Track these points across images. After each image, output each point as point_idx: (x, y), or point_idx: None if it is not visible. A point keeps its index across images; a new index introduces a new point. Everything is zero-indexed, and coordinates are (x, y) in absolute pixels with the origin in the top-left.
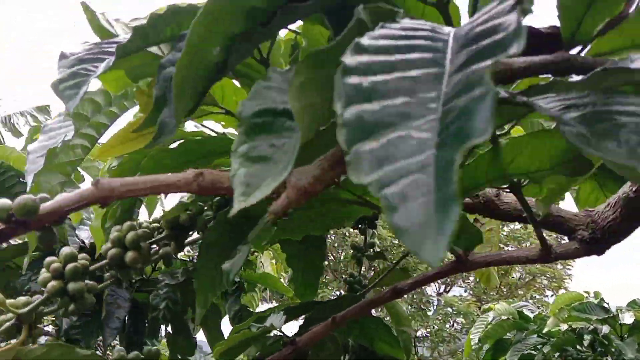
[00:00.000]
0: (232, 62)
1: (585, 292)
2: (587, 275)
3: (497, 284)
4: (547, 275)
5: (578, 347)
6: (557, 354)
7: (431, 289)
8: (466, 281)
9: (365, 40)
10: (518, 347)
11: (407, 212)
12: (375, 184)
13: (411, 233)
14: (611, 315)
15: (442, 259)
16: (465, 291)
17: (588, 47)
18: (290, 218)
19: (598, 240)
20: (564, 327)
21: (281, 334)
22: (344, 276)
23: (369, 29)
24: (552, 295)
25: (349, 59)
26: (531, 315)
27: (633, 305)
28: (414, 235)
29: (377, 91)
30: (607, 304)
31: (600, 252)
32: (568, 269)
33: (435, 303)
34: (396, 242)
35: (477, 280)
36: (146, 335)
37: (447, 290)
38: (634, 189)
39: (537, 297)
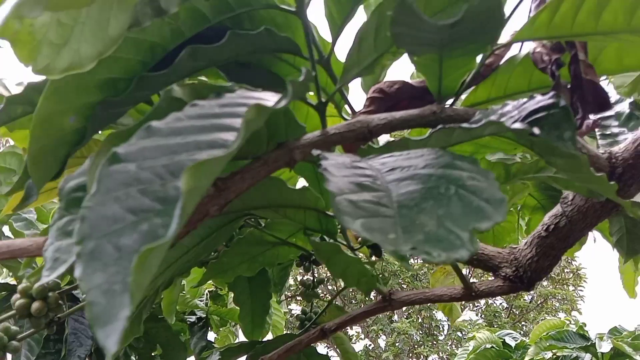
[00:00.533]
0: (92, 128)
1: (567, 319)
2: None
3: (459, 316)
4: (559, 297)
5: None
6: None
7: (441, 314)
8: (476, 305)
9: (157, 124)
10: None
11: None
12: None
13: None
14: (590, 343)
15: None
16: (477, 315)
17: (463, 97)
18: (219, 261)
19: (521, 277)
20: (548, 354)
21: None
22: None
23: (185, 104)
24: (565, 318)
25: (120, 148)
26: (513, 344)
27: (614, 332)
28: None
29: (137, 180)
30: (587, 331)
31: (527, 287)
32: (580, 290)
33: (446, 327)
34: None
35: (487, 303)
36: None
37: None
38: (544, 229)
39: (550, 318)
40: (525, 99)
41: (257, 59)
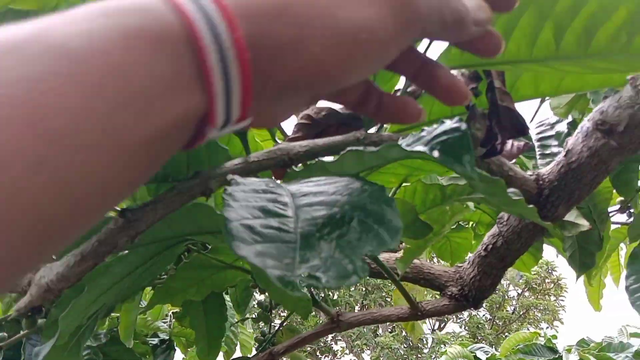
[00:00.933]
0: None
1: (536, 332)
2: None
3: (422, 332)
4: (540, 308)
5: None
6: None
7: (426, 327)
8: (460, 317)
9: None
10: None
11: None
12: None
13: None
14: (557, 356)
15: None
16: (460, 327)
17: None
18: (166, 285)
19: (466, 296)
20: None
21: None
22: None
23: None
24: (547, 327)
25: None
26: (484, 358)
27: (582, 344)
28: None
29: None
30: (555, 344)
31: (474, 306)
32: (561, 300)
33: (430, 341)
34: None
35: (471, 315)
36: None
37: (442, 326)
38: (483, 248)
39: (533, 329)
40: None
41: None
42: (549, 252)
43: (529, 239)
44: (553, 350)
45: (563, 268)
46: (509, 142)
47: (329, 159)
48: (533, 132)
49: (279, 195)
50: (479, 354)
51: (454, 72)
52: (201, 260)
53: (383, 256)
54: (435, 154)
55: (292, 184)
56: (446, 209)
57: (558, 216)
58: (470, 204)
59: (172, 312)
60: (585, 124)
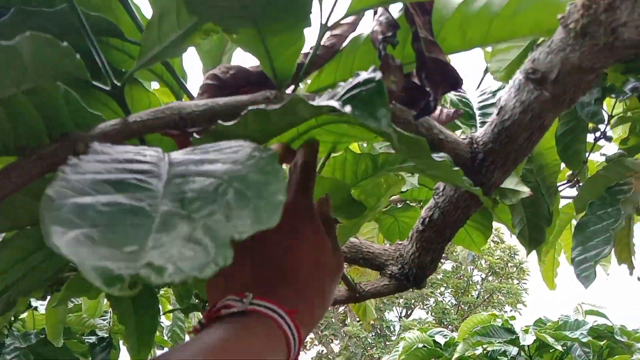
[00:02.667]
0: None
1: (493, 314)
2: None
3: (373, 317)
4: (504, 291)
5: None
6: None
7: (393, 314)
8: (426, 303)
9: None
10: None
11: None
12: None
13: None
14: (515, 336)
15: None
16: (427, 313)
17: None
18: (77, 277)
19: (407, 275)
20: (478, 350)
21: None
22: None
23: None
24: (511, 311)
25: None
26: (443, 342)
27: (539, 324)
28: None
29: None
30: (512, 325)
31: (415, 285)
32: (524, 283)
33: (397, 328)
34: None
35: (437, 301)
36: None
37: (409, 314)
38: (421, 222)
39: (498, 313)
40: (353, 77)
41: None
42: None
43: (466, 209)
44: (510, 331)
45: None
46: (438, 109)
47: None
48: (474, 101)
49: (150, 165)
50: (437, 337)
51: (374, 22)
52: None
53: None
54: (347, 109)
55: (181, 152)
56: (381, 182)
57: (495, 183)
58: (415, 181)
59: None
60: (518, 76)
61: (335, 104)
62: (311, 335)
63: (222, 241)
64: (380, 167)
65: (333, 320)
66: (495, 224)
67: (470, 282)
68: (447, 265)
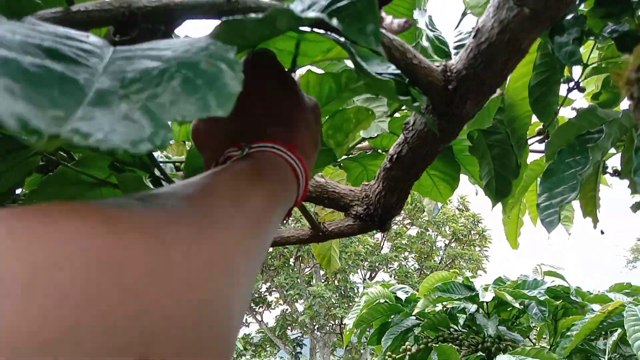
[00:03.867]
0: None
1: (454, 272)
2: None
3: (337, 266)
4: (466, 258)
5: (453, 326)
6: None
7: (357, 276)
8: (390, 267)
9: None
10: (393, 330)
11: None
12: None
13: None
14: (475, 293)
15: None
16: (390, 276)
17: None
18: (27, 203)
19: (372, 215)
20: (439, 307)
21: None
22: (271, 268)
23: None
24: (471, 277)
25: None
26: (404, 297)
27: (498, 282)
28: None
29: None
30: (472, 283)
31: (379, 226)
32: (485, 250)
33: (361, 289)
34: None
35: (400, 265)
36: None
37: (373, 276)
38: (388, 159)
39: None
40: None
41: None
42: (475, 205)
43: (435, 145)
44: (470, 288)
45: (488, 220)
46: (389, 18)
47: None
48: (450, 41)
49: (93, 47)
50: (399, 293)
51: None
52: (68, 174)
53: None
54: (334, 22)
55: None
56: (350, 116)
57: (466, 114)
58: (385, 126)
59: None
60: None
61: (321, 15)
62: (276, 294)
63: (164, 121)
64: (345, 86)
65: (298, 280)
66: (461, 192)
67: (434, 248)
68: (412, 231)
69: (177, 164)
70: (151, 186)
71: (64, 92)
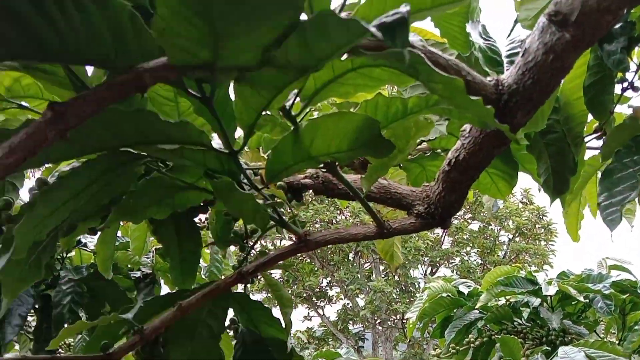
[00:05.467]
0: None
1: (517, 266)
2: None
3: (400, 261)
4: (531, 252)
5: (517, 320)
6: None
7: (418, 272)
8: (451, 262)
9: None
10: (457, 323)
11: None
12: None
13: None
14: (537, 287)
15: None
16: (452, 271)
17: None
18: (125, 202)
19: (433, 214)
20: (501, 301)
21: (133, 324)
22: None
23: None
24: (534, 271)
25: None
26: (466, 292)
27: (562, 276)
28: None
29: None
30: (535, 277)
31: (440, 224)
32: (552, 244)
33: (422, 284)
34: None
35: (462, 260)
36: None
37: (434, 272)
38: (447, 163)
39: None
40: None
41: None
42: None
43: (490, 150)
44: (533, 282)
45: (554, 214)
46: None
47: None
48: (503, 50)
49: None
50: (461, 287)
51: None
52: (162, 179)
53: (350, 177)
54: (372, 29)
55: None
56: (410, 125)
57: (517, 123)
58: (443, 129)
59: (155, 249)
60: (542, 19)
61: (364, 23)
62: (337, 289)
63: None
64: (410, 110)
65: (358, 275)
66: (525, 185)
67: (497, 242)
68: (473, 226)
69: (254, 170)
70: (241, 190)
71: None
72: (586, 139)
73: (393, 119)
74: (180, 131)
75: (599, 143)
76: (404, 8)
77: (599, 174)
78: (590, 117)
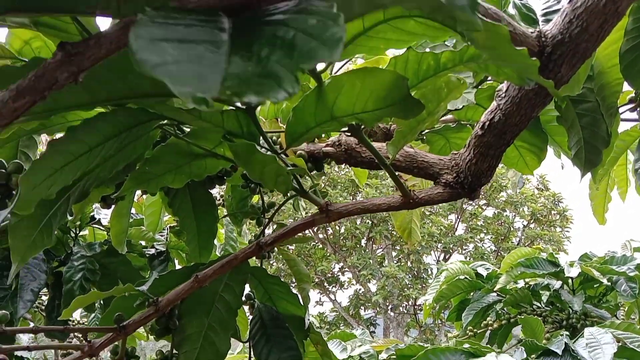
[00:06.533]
0: None
1: (538, 248)
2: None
3: (418, 239)
4: (546, 239)
5: (536, 303)
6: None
7: (431, 258)
8: (465, 248)
9: None
10: (474, 306)
11: None
12: None
13: None
14: (559, 269)
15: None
16: (465, 258)
17: None
18: (141, 169)
19: (462, 183)
20: (520, 283)
21: (148, 295)
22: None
23: None
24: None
25: None
26: (485, 274)
27: (584, 258)
28: None
29: None
30: (557, 258)
31: (470, 195)
32: (567, 231)
33: (434, 270)
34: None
35: (476, 247)
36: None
37: (447, 258)
38: (480, 127)
39: (521, 247)
40: None
41: None
42: (556, 184)
43: (529, 109)
44: (555, 264)
45: (569, 200)
46: None
47: None
48: (538, 8)
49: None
50: (480, 270)
51: None
52: (179, 145)
53: (376, 145)
54: None
55: None
56: (442, 86)
57: (561, 78)
58: (471, 97)
59: (170, 226)
60: None
61: None
62: (349, 274)
63: (292, 71)
64: (443, 66)
65: (371, 261)
66: (540, 171)
67: (512, 229)
68: (488, 212)
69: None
70: (262, 152)
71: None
72: (620, 110)
73: (424, 76)
74: None
75: (633, 115)
76: None
77: (629, 154)
78: (625, 86)
